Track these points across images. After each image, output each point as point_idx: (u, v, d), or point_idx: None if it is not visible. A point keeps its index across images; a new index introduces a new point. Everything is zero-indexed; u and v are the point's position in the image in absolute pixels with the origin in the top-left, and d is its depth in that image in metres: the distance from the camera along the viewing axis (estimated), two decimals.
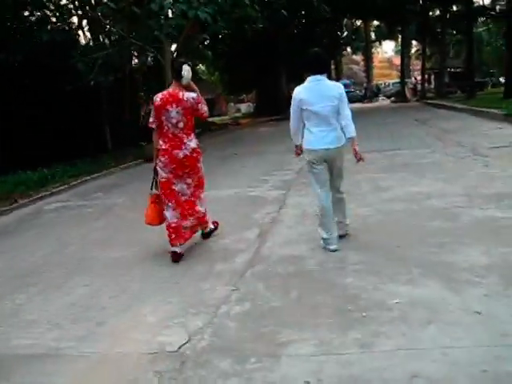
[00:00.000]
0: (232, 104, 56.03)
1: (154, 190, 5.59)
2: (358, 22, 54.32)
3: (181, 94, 5.26)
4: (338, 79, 50.93)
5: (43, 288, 4.93)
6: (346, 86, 24.36)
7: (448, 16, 35.76)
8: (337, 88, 5.04)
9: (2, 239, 7.33)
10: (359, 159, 5.33)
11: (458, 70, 44.81)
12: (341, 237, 5.30)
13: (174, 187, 5.43)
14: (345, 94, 5.06)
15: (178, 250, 5.35)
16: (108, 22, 13.42)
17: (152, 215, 5.59)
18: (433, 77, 46.19)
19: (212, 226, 6.02)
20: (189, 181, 5.50)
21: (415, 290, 3.93)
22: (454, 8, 37.65)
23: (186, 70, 5.31)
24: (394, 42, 69.80)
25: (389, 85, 65.62)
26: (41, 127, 14.72)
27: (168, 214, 5.43)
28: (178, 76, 5.33)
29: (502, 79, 56.23)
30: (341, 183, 5.52)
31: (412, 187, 7.37)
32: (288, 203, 7.28)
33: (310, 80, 5.01)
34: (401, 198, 6.82)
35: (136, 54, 16.46)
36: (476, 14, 30.08)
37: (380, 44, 69.84)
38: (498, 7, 38.25)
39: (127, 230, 6.86)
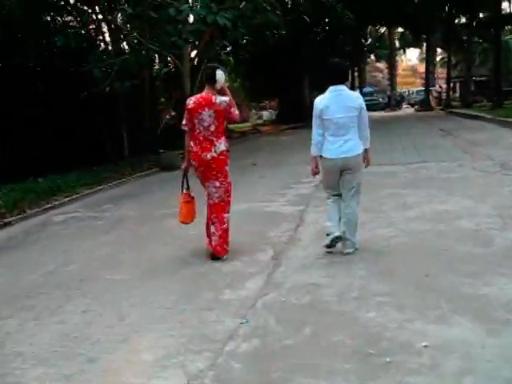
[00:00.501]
0: (254, 111, 55.72)
1: (185, 190, 5.78)
2: (382, 30, 53.77)
3: (214, 97, 5.38)
4: (361, 87, 50.47)
5: (38, 313, 4.54)
6: (369, 93, 23.74)
7: (474, 24, 34.97)
8: (357, 99, 5.22)
9: (6, 253, 6.99)
10: (366, 165, 5.54)
11: (483, 79, 44.00)
12: (348, 254, 5.30)
13: (205, 189, 5.67)
14: (364, 105, 5.22)
15: (220, 252, 5.58)
16: (126, 27, 13.12)
17: (184, 214, 5.80)
18: (458, 85, 45.33)
19: (224, 254, 5.67)
20: (217, 184, 5.55)
21: (447, 330, 3.47)
22: (481, 15, 36.98)
23: (220, 75, 5.44)
24: (418, 49, 69.01)
25: (412, 93, 64.87)
26: (56, 133, 14.46)
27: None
28: (211, 80, 5.44)
29: None
30: (354, 198, 5.47)
31: (439, 205, 6.89)
32: (306, 220, 6.84)
33: (331, 90, 5.16)
34: (427, 217, 6.34)
35: (156, 60, 16.13)
36: (504, 21, 29.31)
37: (404, 52, 68.99)
38: None
39: (136, 246, 6.47)
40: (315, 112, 5.21)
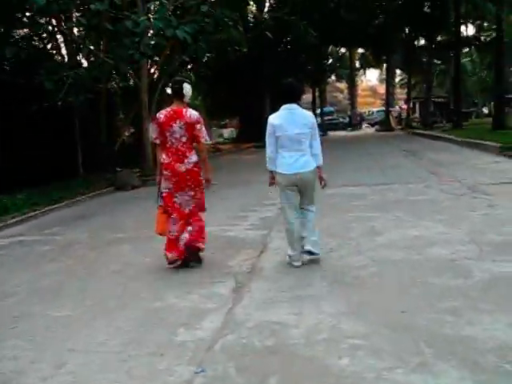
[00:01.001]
0: (214, 128, 55.27)
1: (160, 202, 5.83)
2: (343, 50, 54.28)
3: (184, 110, 5.57)
4: (321, 106, 50.60)
5: None
6: (330, 113, 23.52)
7: (434, 46, 35.48)
8: (309, 117, 5.49)
9: None
10: (323, 185, 5.74)
11: (441, 100, 44.75)
12: (310, 253, 5.52)
13: (175, 199, 5.70)
14: (316, 123, 5.52)
15: (170, 256, 5.70)
16: (82, 39, 12.51)
17: (162, 225, 5.83)
18: (417, 106, 45.91)
19: (203, 245, 5.92)
20: (191, 193, 5.73)
21: (432, 382, 3.02)
22: (439, 38, 37.58)
23: (187, 88, 5.62)
24: (378, 70, 69.99)
25: (372, 113, 65.48)
26: (3, 149, 13.64)
27: (172, 227, 5.74)
28: (179, 94, 5.60)
29: (485, 110, 56.56)
30: (310, 203, 5.66)
31: (409, 230, 6.52)
32: (269, 247, 6.36)
33: (284, 108, 5.42)
34: (398, 244, 5.94)
35: (113, 73, 15.51)
36: (463, 43, 29.77)
37: (364, 72, 69.92)
38: (482, 38, 38.36)
39: (83, 276, 5.85)
40: (269, 129, 5.42)
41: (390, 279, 4.84)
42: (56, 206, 10.61)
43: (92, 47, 13.69)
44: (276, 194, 9.03)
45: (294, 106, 5.43)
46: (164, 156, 5.66)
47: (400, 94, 72.61)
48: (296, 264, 5.44)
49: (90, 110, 17.95)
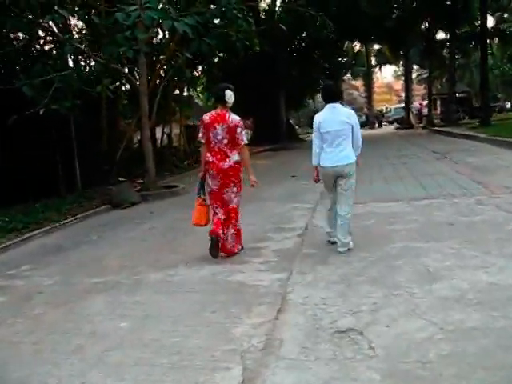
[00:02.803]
0: None
1: (202, 196, 6.34)
2: (358, 46, 52.61)
3: (227, 114, 6.11)
4: None
5: None
6: None
7: (457, 38, 33.56)
8: (349, 114, 6.00)
9: None
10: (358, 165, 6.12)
11: (463, 95, 42.72)
12: (333, 243, 6.19)
13: (224, 196, 6.22)
14: (357, 120, 6.04)
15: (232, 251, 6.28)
16: (67, 35, 10.92)
17: (199, 216, 6.32)
18: (438, 102, 43.89)
19: (240, 248, 6.46)
20: (234, 189, 6.24)
21: None
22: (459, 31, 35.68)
23: (229, 94, 6.12)
24: (394, 66, 68.24)
25: (390, 110, 63.81)
26: None
27: (215, 217, 6.24)
28: (221, 100, 6.15)
29: (508, 104, 54.34)
30: (348, 201, 6.06)
31: (478, 272, 4.84)
32: (290, 302, 4.65)
33: (327, 107, 6.04)
34: (469, 298, 4.27)
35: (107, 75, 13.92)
36: (489, 35, 27.85)
37: (380, 69, 68.32)
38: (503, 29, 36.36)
39: (28, 359, 4.13)
40: (314, 126, 6.09)
41: (472, 368, 3.17)
42: (35, 232, 8.93)
43: (82, 46, 12.09)
44: (295, 213, 7.54)
45: (337, 104, 6.05)
46: (208, 154, 6.18)
47: (417, 90, 70.69)
48: (332, 240, 6.23)
49: (90, 117, 16.46)
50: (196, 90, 27.00)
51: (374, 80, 70.22)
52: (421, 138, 25.92)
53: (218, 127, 6.08)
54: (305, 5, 21.61)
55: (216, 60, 30.38)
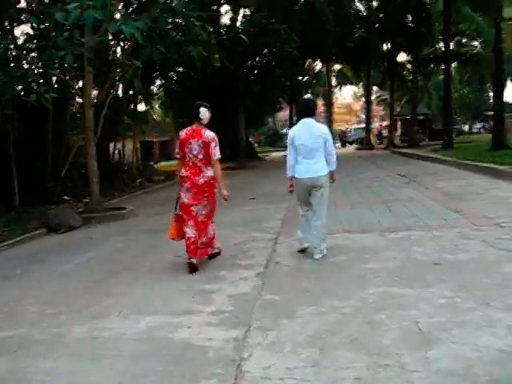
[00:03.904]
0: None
1: (178, 211, 6.59)
2: (319, 66, 52.40)
3: (203, 130, 6.42)
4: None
5: None
6: None
7: (419, 60, 33.43)
8: (323, 128, 6.48)
9: None
10: (333, 181, 6.58)
11: (422, 117, 42.71)
12: (302, 251, 6.67)
13: (192, 208, 6.43)
14: (330, 135, 6.45)
15: (194, 261, 6.30)
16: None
17: (174, 232, 6.59)
18: (399, 123, 43.75)
19: (216, 250, 6.84)
20: (205, 203, 6.46)
21: None
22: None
23: (203, 112, 6.43)
24: (353, 87, 68.43)
25: (350, 130, 63.81)
26: None
27: (188, 230, 6.41)
28: (196, 117, 6.43)
29: (465, 127, 54.85)
30: (322, 211, 6.43)
31: (481, 333, 3.86)
32: (248, 375, 3.55)
33: (301, 122, 6.46)
34: (479, 376, 3.27)
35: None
36: (451, 58, 27.58)
37: (340, 89, 68.44)
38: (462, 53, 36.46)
39: None
40: (289, 140, 6.46)
41: None
42: None
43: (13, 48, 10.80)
44: (255, 245, 6.58)
45: (311, 119, 6.37)
46: (183, 170, 6.41)
47: (376, 111, 70.96)
48: (303, 247, 6.60)
49: (34, 130, 15.15)
50: (151, 105, 25.74)
51: (334, 100, 70.15)
52: (383, 160, 25.28)
53: (193, 142, 6.32)
54: (268, 17, 20.78)
55: (175, 75, 29.45)
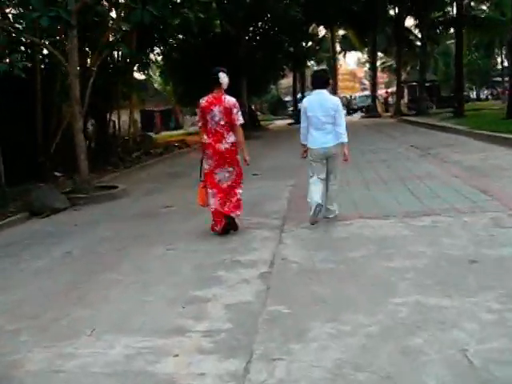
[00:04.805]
0: (188, 117, 51.21)
1: (202, 178, 6.63)
2: (323, 32, 50.93)
3: (223, 97, 6.42)
4: (302, 92, 46.96)
5: None
6: None
7: (429, 24, 31.99)
8: (334, 100, 6.63)
9: None
10: (346, 159, 6.64)
11: (430, 84, 41.31)
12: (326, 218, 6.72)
13: (215, 176, 6.49)
14: (341, 106, 6.66)
15: (218, 230, 6.52)
16: None
17: (202, 198, 6.64)
18: (405, 91, 42.39)
19: (239, 213, 6.70)
20: (230, 169, 6.50)
21: None
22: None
23: (222, 77, 6.40)
24: (357, 53, 66.89)
25: (355, 98, 62.50)
26: None
27: (211, 200, 6.53)
28: (217, 82, 6.40)
29: (472, 94, 53.42)
30: (336, 178, 6.77)
31: None
32: None
33: (313, 93, 6.71)
34: None
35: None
36: (463, 21, 26.17)
37: (344, 56, 66.98)
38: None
39: None
40: (302, 110, 6.77)
41: None
42: None
43: None
44: (257, 235, 5.63)
45: (323, 91, 6.63)
46: (205, 137, 6.49)
47: (381, 77, 69.40)
48: (318, 216, 6.64)
49: (22, 102, 14.12)
50: (148, 73, 24.58)
51: (338, 67, 68.66)
52: (392, 129, 24.20)
53: (214, 109, 6.34)
54: None
55: (174, 43, 28.23)
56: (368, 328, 3.66)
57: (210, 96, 6.46)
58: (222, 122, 6.37)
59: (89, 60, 14.90)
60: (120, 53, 18.89)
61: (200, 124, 6.63)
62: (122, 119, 20.59)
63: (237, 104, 6.48)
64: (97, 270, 5.63)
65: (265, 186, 10.03)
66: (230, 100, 6.41)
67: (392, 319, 3.76)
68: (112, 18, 9.76)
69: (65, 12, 8.27)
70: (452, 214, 6.52)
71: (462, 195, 7.58)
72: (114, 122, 19.32)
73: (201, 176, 6.64)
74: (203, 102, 6.44)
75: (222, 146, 6.38)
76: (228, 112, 6.35)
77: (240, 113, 6.51)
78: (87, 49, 13.00)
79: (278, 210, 7.71)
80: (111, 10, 11.10)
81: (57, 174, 14.55)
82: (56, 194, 9.88)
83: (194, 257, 5.76)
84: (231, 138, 6.43)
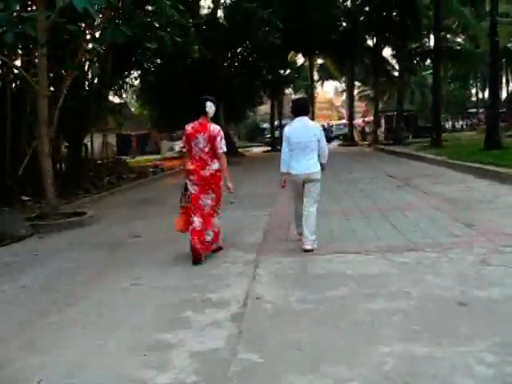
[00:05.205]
0: (165, 141, 50.77)
1: (183, 203, 6.69)
2: (301, 60, 51.22)
3: (208, 124, 6.58)
4: (280, 120, 46.89)
5: None
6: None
7: (405, 55, 32.28)
8: (316, 126, 6.94)
9: None
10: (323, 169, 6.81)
11: (405, 114, 41.64)
12: (306, 251, 6.46)
13: (200, 201, 6.57)
14: (322, 132, 6.81)
15: (199, 251, 6.37)
16: None
17: (181, 224, 6.66)
18: (383, 120, 42.69)
19: (220, 243, 6.92)
20: (212, 195, 6.62)
21: None
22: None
23: (209, 106, 6.60)
24: (335, 82, 67.53)
25: (332, 126, 62.91)
26: None
27: (195, 221, 6.49)
28: (203, 111, 6.59)
29: (448, 125, 54.01)
30: (314, 205, 6.70)
31: None
32: None
33: (296, 120, 6.81)
34: None
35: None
36: (440, 53, 26.36)
37: (322, 84, 67.61)
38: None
39: None
40: (284, 137, 6.79)
41: None
42: None
43: None
44: (231, 270, 5.26)
45: (305, 118, 6.78)
46: (189, 163, 6.59)
47: (358, 106, 70.02)
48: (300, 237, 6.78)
49: None
50: (122, 96, 24.19)
51: (316, 95, 69.12)
52: (370, 158, 24.13)
53: (199, 136, 6.49)
54: (251, 1, 19.36)
55: (151, 66, 27.97)
56: (350, 383, 3.26)
57: (195, 123, 6.59)
58: (206, 149, 6.49)
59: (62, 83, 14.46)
60: (96, 75, 18.56)
61: (184, 150, 6.77)
62: (97, 142, 20.12)
63: (221, 132, 6.59)
64: (53, 307, 5.11)
65: (241, 215, 9.63)
66: (215, 128, 6.54)
67: (377, 372, 3.36)
68: (84, 39, 9.34)
69: (32, 29, 7.87)
70: (436, 249, 6.18)
71: (444, 229, 7.27)
72: (86, 145, 18.79)
73: (181, 202, 6.68)
74: (189, 128, 6.57)
75: (207, 172, 6.50)
76: (212, 139, 6.46)
77: (224, 141, 6.61)
78: (61, 70, 12.52)
79: (254, 242, 7.30)
80: (85, 30, 10.68)
81: (24, 198, 14.00)
82: (19, 220, 9.34)
83: (161, 294, 5.29)
84: (215, 166, 6.54)
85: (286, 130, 6.81)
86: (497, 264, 5.48)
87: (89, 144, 18.77)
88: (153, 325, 4.44)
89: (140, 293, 5.39)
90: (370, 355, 3.60)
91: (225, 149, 6.60)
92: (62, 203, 12.25)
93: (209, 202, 6.58)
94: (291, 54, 43.04)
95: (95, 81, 18.14)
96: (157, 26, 10.92)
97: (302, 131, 6.59)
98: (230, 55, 29.18)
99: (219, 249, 6.86)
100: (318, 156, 6.66)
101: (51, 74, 11.51)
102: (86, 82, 17.93)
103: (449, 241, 6.56)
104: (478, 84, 60.56)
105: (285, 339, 3.96)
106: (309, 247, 6.45)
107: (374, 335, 3.93)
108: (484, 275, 5.15)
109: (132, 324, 4.53)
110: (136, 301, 5.17)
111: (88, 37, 10.90)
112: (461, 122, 60.39)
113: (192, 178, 6.55)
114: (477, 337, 3.78)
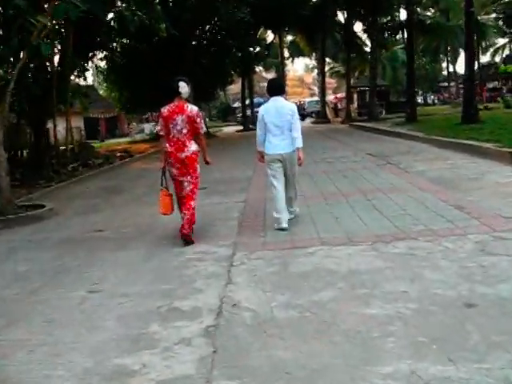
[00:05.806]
0: (134, 124, 49.60)
1: (164, 186, 6.62)
2: (271, 37, 50.37)
3: (185, 105, 6.48)
4: (251, 98, 46.09)
5: None
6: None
7: (378, 29, 31.66)
8: (291, 106, 6.80)
9: None
10: (300, 164, 6.67)
11: (378, 89, 41.16)
12: (290, 220, 6.71)
13: (181, 183, 6.55)
14: (296, 112, 6.70)
15: (186, 232, 6.34)
16: None
17: (165, 206, 6.65)
18: (355, 96, 42.11)
19: (191, 235, 6.46)
20: (189, 178, 6.53)
21: None
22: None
23: (182, 87, 6.45)
24: (305, 59, 66.80)
25: (304, 103, 62.48)
26: None
27: (176, 205, 6.68)
28: (177, 92, 6.46)
29: (420, 99, 53.79)
30: (293, 183, 6.88)
31: None
32: None
33: (270, 100, 6.78)
34: None
35: None
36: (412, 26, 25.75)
37: (292, 61, 66.89)
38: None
39: None
40: (259, 117, 6.83)
41: None
42: None
43: None
44: (203, 275, 4.65)
45: (280, 98, 6.78)
46: (167, 145, 6.52)
47: (329, 83, 69.46)
48: (282, 226, 6.48)
49: None
50: (86, 78, 23.16)
51: (287, 72, 68.37)
52: (345, 135, 23.57)
53: (177, 118, 6.40)
54: None
55: (118, 47, 27.02)
56: None
57: (171, 105, 6.48)
58: (185, 131, 6.43)
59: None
60: (58, 58, 17.56)
61: (161, 133, 6.57)
62: (62, 127, 19.13)
63: (199, 113, 6.56)
64: None
65: (212, 203, 8.96)
66: (192, 109, 6.48)
67: None
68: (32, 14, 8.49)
69: None
70: (429, 238, 5.62)
71: (434, 212, 6.71)
72: (48, 130, 17.82)
73: (162, 184, 6.59)
74: (165, 111, 6.47)
75: (184, 155, 6.43)
76: (192, 121, 6.43)
77: (202, 121, 6.65)
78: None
79: (227, 235, 6.65)
80: (38, 4, 9.77)
81: None
82: None
83: (122, 303, 4.60)
84: (193, 147, 6.51)
85: (261, 110, 6.81)
86: (499, 253, 4.93)
87: (51, 130, 17.70)
88: (112, 345, 3.77)
89: (99, 303, 4.68)
90: (370, 378, 3.01)
91: (205, 129, 6.60)
92: (22, 194, 11.44)
93: (186, 184, 6.51)
94: (261, 31, 42.13)
95: (55, 63, 17.19)
96: None
97: (275, 111, 6.58)
98: (197, 33, 28.20)
99: (189, 242, 6.34)
100: (292, 137, 6.58)
101: None
102: (48, 65, 16.99)
103: (441, 227, 6.00)
104: (449, 58, 60.53)
105: (267, 359, 3.34)
106: (291, 216, 6.82)
107: (373, 350, 3.33)
108: (487, 268, 4.58)
109: (87, 344, 3.84)
110: (94, 313, 4.46)
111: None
112: (432, 97, 60.28)
113: (170, 160, 6.50)
114: (493, 348, 3.22)
